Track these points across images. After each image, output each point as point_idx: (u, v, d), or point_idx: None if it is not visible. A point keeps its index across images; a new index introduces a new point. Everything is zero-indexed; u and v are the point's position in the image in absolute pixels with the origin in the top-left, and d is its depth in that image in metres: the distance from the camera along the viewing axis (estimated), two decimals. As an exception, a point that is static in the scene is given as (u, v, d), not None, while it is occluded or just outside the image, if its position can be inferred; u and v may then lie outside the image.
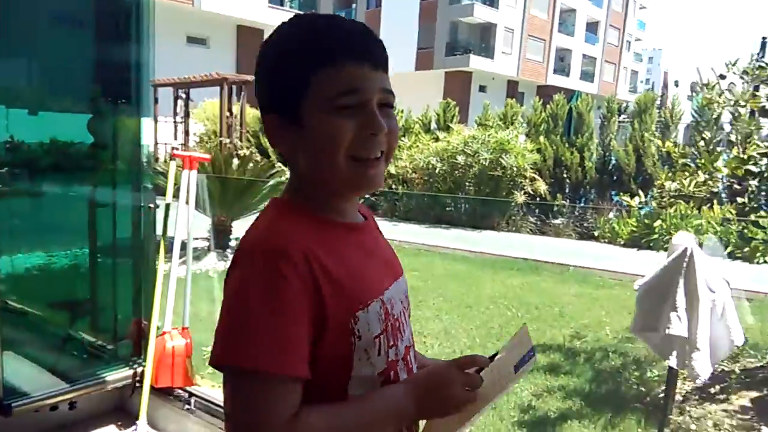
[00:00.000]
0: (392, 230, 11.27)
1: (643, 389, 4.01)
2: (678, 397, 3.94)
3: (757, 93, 3.51)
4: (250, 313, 0.78)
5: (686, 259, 2.14)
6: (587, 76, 39.76)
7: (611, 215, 10.63)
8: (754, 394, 3.85)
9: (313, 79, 0.84)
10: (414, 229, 11.76)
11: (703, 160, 3.66)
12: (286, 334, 0.78)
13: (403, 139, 13.35)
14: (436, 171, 12.03)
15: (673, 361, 2.24)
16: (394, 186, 13.10)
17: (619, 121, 12.85)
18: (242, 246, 0.84)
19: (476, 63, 31.01)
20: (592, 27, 40.03)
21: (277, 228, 0.85)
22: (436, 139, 12.73)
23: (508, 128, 12.18)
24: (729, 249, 8.98)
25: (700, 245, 2.23)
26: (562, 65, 37.30)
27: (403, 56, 31.76)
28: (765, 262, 8.71)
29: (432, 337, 5.04)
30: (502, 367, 0.93)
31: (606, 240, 10.16)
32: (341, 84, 0.84)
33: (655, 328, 2.19)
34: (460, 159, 11.69)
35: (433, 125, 14.08)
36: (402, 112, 14.63)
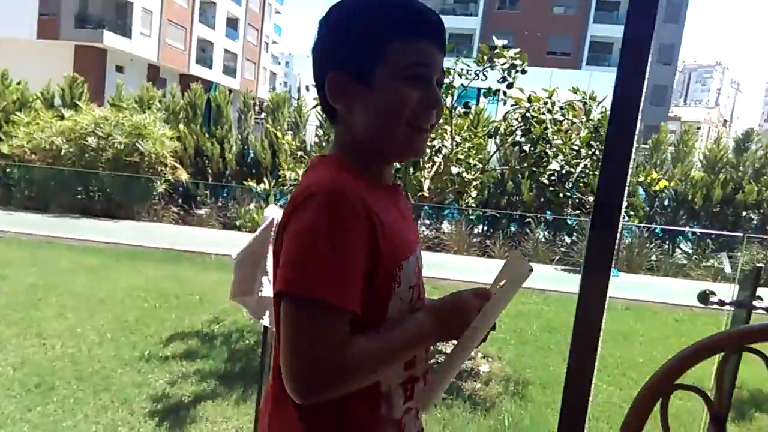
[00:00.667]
0: (4, 221, 9.58)
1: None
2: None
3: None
4: (318, 250, 0.83)
5: (273, 229, 2.41)
6: (230, 71, 40.57)
7: (252, 206, 11.17)
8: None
9: (390, 47, 0.92)
10: (35, 219, 10.24)
11: (313, 154, 4.22)
12: (349, 271, 0.85)
13: (18, 113, 11.43)
14: (62, 153, 10.68)
15: (266, 321, 2.48)
16: (8, 169, 11.15)
17: (256, 118, 13.53)
18: (309, 191, 0.88)
19: (111, 40, 28.45)
20: (232, 23, 40.95)
21: (339, 178, 0.91)
22: (62, 118, 11.26)
23: (145, 112, 11.58)
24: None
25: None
26: (204, 56, 37.17)
27: (19, 20, 27.03)
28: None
29: (54, 337, 4.51)
30: (506, 289, 0.99)
31: (247, 229, 10.61)
32: (414, 56, 0.93)
33: (251, 293, 2.41)
34: (91, 141, 10.63)
35: (58, 101, 12.42)
36: (19, 84, 12.49)
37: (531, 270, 0.98)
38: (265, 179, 5.08)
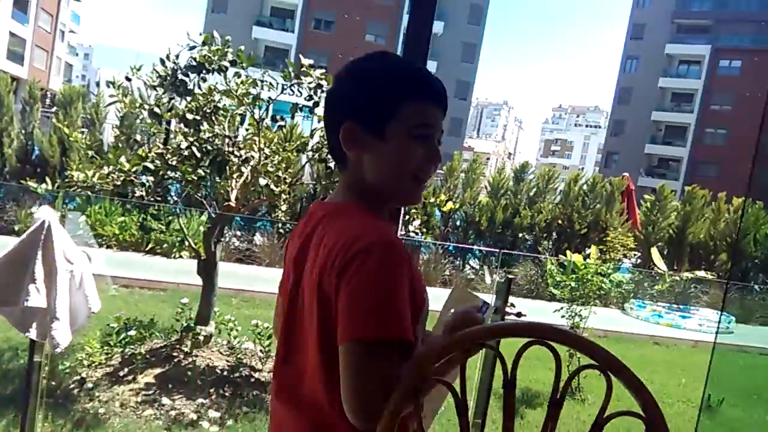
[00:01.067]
0: None
1: (54, 383, 3.95)
2: (89, 385, 4.07)
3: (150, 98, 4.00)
4: (385, 298, 0.96)
5: (44, 232, 2.22)
6: (16, 57, 35.66)
7: (34, 209, 9.91)
8: (158, 370, 4.29)
9: (403, 108, 1.06)
10: None
11: (109, 155, 3.91)
12: (406, 309, 0.97)
13: None
14: None
15: (33, 334, 2.26)
16: None
17: (45, 111, 12.08)
18: (363, 242, 0.97)
19: None
20: (21, 4, 36.16)
21: (380, 227, 1.04)
22: None
23: None
24: (150, 245, 9.80)
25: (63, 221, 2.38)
26: (-17, 38, 32.30)
27: None
28: (181, 256, 9.92)
29: None
30: None
31: (25, 235, 9.38)
32: (423, 117, 1.07)
33: (15, 302, 2.18)
34: None
35: None
36: None
37: (488, 305, 1.20)
38: (47, 179, 4.58)
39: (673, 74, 43.59)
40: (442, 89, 1.13)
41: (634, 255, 12.90)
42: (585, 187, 13.17)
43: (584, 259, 11.22)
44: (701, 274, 12.16)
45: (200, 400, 4.05)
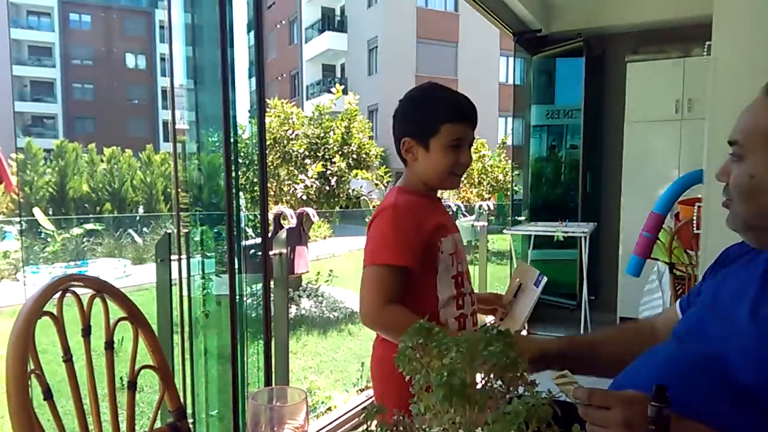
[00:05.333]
0: None
1: None
2: None
3: None
4: (384, 240, 1.56)
5: None
6: None
7: None
8: None
9: (442, 127, 1.56)
10: None
11: None
12: (402, 244, 1.55)
13: None
14: None
15: None
16: None
17: None
18: (382, 207, 1.61)
19: None
20: None
21: (400, 199, 1.61)
22: None
23: None
24: None
25: None
26: None
27: None
28: None
29: None
30: (527, 290, 1.70)
31: None
32: (456, 134, 1.57)
33: None
34: None
35: None
36: None
37: (543, 275, 1.69)
38: None
39: (24, 25, 40.95)
40: (472, 109, 1.58)
41: (19, 220, 11.97)
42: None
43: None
44: (90, 226, 12.37)
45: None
